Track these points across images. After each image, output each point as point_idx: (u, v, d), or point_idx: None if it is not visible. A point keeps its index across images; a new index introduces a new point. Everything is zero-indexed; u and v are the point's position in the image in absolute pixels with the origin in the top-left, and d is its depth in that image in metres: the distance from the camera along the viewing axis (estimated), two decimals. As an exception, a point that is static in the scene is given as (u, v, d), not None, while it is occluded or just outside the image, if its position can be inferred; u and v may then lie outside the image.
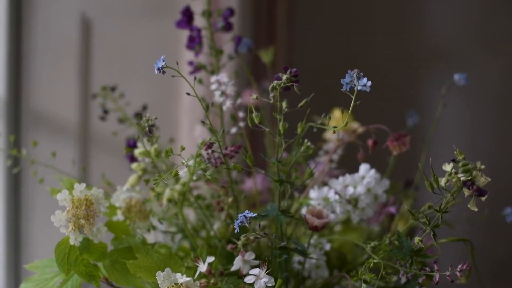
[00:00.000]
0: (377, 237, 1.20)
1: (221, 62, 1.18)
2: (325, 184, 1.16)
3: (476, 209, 0.87)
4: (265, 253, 1.10)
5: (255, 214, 0.87)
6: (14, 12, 1.62)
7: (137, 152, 1.09)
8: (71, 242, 0.94)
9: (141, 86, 1.65)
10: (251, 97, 0.92)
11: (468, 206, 0.87)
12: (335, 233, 1.23)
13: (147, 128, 0.94)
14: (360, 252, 1.16)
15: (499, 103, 1.95)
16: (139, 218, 1.05)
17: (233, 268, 0.95)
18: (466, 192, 0.85)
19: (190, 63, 1.18)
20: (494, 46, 1.94)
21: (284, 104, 0.90)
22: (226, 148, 0.97)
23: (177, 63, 0.88)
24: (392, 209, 1.17)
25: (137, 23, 1.67)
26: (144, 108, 1.28)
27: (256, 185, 1.27)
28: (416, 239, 0.90)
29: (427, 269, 0.92)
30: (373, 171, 1.08)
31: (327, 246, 1.09)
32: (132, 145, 1.16)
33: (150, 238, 1.11)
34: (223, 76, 1.09)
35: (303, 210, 1.08)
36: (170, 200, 1.04)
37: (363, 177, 1.07)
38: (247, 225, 0.86)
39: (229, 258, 1.04)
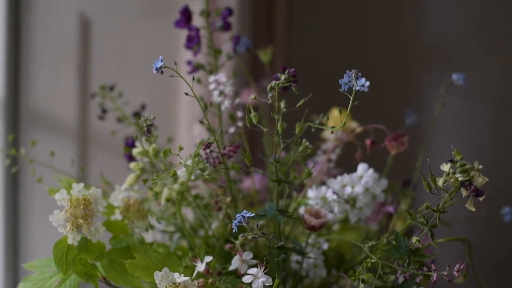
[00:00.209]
0: (375, 236, 1.20)
1: (220, 62, 1.18)
2: (323, 183, 1.16)
3: (474, 209, 0.87)
4: (263, 252, 1.10)
5: (253, 214, 0.87)
6: (13, 12, 1.62)
7: (135, 151, 1.09)
8: (69, 241, 0.94)
9: (140, 85, 1.65)
10: (249, 97, 0.92)
11: (466, 206, 0.87)
12: (333, 232, 1.23)
13: (145, 128, 0.95)
14: (358, 251, 1.16)
15: (498, 103, 1.95)
16: (137, 218, 1.05)
17: (231, 268, 0.95)
18: (464, 192, 0.85)
19: (189, 62, 1.18)
20: (493, 46, 1.94)
21: (282, 104, 0.90)
22: (224, 148, 0.97)
23: (176, 63, 0.88)
24: (390, 209, 1.17)
25: (135, 22, 1.67)
26: (143, 107, 1.28)
27: (254, 184, 1.27)
28: (414, 239, 0.90)
29: (424, 268, 0.92)
30: (371, 171, 1.08)
31: (325, 246, 1.09)
32: (130, 144, 1.16)
33: (148, 237, 1.12)
34: (222, 76, 1.09)
35: (301, 210, 1.08)
36: (168, 200, 1.04)
37: (361, 177, 1.08)
38: (245, 225, 0.86)
39: (227, 257, 1.04)
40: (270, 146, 1.24)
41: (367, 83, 0.85)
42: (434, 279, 0.90)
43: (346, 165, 1.18)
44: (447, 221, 1.16)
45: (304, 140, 0.98)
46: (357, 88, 0.85)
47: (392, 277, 0.96)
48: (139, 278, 0.96)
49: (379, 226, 1.24)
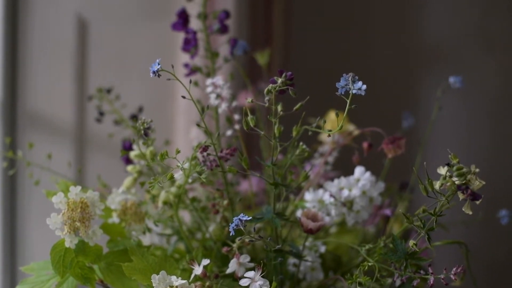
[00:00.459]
0: (373, 239, 1.20)
1: (217, 65, 1.18)
2: (320, 186, 1.16)
3: (470, 213, 0.87)
4: (260, 255, 1.10)
5: (250, 217, 0.87)
6: (10, 13, 1.62)
7: (132, 154, 1.09)
8: (67, 244, 0.94)
9: (137, 87, 1.65)
10: (246, 100, 0.93)
11: (463, 209, 0.87)
12: (330, 235, 1.23)
13: (142, 131, 0.95)
14: (355, 254, 1.16)
15: (496, 105, 1.95)
16: (134, 221, 1.05)
17: (228, 271, 0.95)
18: (461, 196, 0.85)
19: (186, 65, 1.18)
20: (491, 47, 1.94)
21: (279, 108, 0.90)
22: (221, 151, 0.97)
23: (173, 66, 0.88)
24: (387, 211, 1.17)
25: (133, 24, 1.67)
26: (140, 110, 1.28)
27: (251, 187, 1.27)
28: (411, 242, 0.91)
29: (421, 272, 0.93)
30: (368, 174, 1.08)
31: (322, 249, 1.09)
32: (127, 147, 1.16)
33: (146, 240, 1.12)
34: (219, 79, 1.09)
35: (298, 213, 1.08)
36: (165, 203, 1.04)
37: (358, 180, 1.08)
38: (242, 228, 0.86)
39: (224, 260, 1.05)
40: (267, 149, 1.24)
41: (364, 87, 0.85)
42: (431, 282, 0.90)
43: (343, 168, 1.18)
44: (444, 224, 1.16)
45: (301, 143, 0.98)
46: (354, 91, 0.85)
47: (389, 280, 0.96)
48: (136, 281, 0.96)
49: (376, 228, 1.24)
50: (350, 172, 1.09)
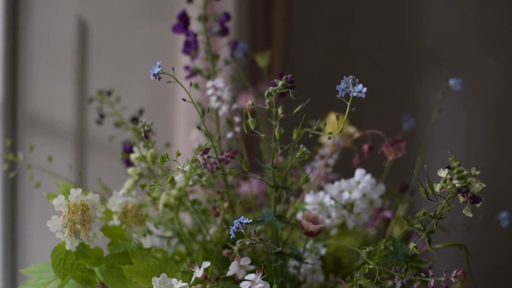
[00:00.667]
0: (373, 241, 1.20)
1: (217, 67, 1.18)
2: (321, 188, 1.16)
3: (471, 215, 0.87)
4: (261, 257, 1.10)
5: (251, 220, 0.87)
6: (11, 15, 1.62)
7: (133, 157, 1.09)
8: (67, 247, 0.94)
9: (137, 89, 1.65)
10: (247, 103, 0.93)
11: (463, 212, 0.87)
12: (331, 237, 1.23)
13: (143, 134, 0.95)
14: (356, 256, 1.16)
15: (496, 106, 1.95)
16: (135, 223, 1.05)
17: (229, 273, 0.95)
18: (461, 198, 0.85)
19: (186, 67, 1.18)
20: (492, 48, 1.95)
21: (279, 110, 0.90)
22: (222, 154, 0.98)
23: (173, 69, 0.88)
24: (388, 214, 1.17)
25: (133, 26, 1.67)
26: (141, 112, 1.28)
27: (252, 189, 1.27)
28: (411, 245, 0.91)
29: (422, 274, 0.93)
30: (368, 176, 1.08)
31: (323, 251, 1.09)
32: (128, 149, 1.16)
33: (146, 242, 1.12)
34: (219, 82, 1.09)
35: (299, 215, 1.08)
36: (166, 205, 1.04)
37: (358, 182, 1.08)
38: (242, 231, 0.87)
39: (225, 262, 1.05)
40: (267, 151, 1.24)
41: (364, 89, 0.85)
42: (432, 285, 0.90)
43: (343, 170, 1.19)
44: (445, 226, 1.16)
45: (301, 146, 0.98)
46: (354, 94, 0.85)
47: (390, 283, 0.96)
48: (137, 284, 0.96)
49: (376, 230, 1.24)
50: (351, 175, 1.09)
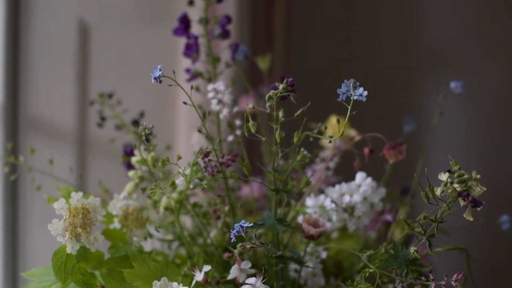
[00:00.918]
0: (374, 244, 1.20)
1: (218, 70, 1.18)
2: (321, 191, 1.16)
3: (471, 219, 0.87)
4: (262, 261, 1.10)
5: (251, 224, 0.87)
6: (12, 17, 1.62)
7: (134, 160, 1.09)
8: (68, 250, 0.94)
9: (138, 91, 1.65)
10: (247, 106, 0.93)
11: (464, 215, 0.87)
12: (331, 240, 1.23)
13: (144, 137, 0.95)
14: (356, 259, 1.16)
15: (496, 108, 1.95)
16: (136, 226, 1.05)
17: (230, 277, 0.95)
18: (462, 202, 0.85)
19: (187, 70, 1.18)
20: (492, 51, 1.95)
21: (280, 114, 0.90)
22: (222, 157, 0.98)
23: (174, 72, 0.88)
24: (389, 217, 1.17)
25: (134, 29, 1.67)
26: (141, 115, 1.28)
27: (252, 191, 1.27)
28: (412, 249, 0.91)
29: (422, 278, 0.93)
30: (369, 180, 1.08)
31: (324, 254, 1.09)
32: (129, 152, 1.16)
33: (147, 245, 1.12)
34: (220, 85, 1.09)
35: (300, 218, 1.08)
36: (167, 208, 1.04)
37: (359, 186, 1.08)
38: (243, 234, 0.87)
39: (226, 266, 1.05)
40: (268, 154, 1.24)
41: (365, 93, 0.85)
42: (432, 288, 0.91)
43: (344, 173, 1.19)
44: (445, 230, 1.16)
45: (302, 149, 0.98)
46: (355, 97, 0.85)
47: (390, 287, 0.96)
48: (138, 287, 0.96)
49: (377, 234, 1.24)
50: (352, 178, 1.09)
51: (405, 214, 1.21)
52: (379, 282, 0.93)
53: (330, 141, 0.91)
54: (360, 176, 1.09)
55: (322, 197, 1.09)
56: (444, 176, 0.86)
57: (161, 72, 0.87)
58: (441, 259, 1.14)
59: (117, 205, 1.06)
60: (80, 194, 0.95)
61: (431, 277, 0.91)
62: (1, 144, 1.59)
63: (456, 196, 0.86)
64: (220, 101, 1.09)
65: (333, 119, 1.24)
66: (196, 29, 1.19)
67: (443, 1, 1.94)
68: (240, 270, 0.95)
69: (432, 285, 0.90)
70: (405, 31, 1.96)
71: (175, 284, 0.91)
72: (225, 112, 1.09)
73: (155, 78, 0.88)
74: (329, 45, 1.92)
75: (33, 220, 1.64)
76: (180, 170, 0.93)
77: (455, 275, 0.90)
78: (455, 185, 0.85)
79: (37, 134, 1.64)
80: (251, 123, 0.91)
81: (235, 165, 1.01)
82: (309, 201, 1.09)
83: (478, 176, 0.86)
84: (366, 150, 1.09)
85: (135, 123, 1.24)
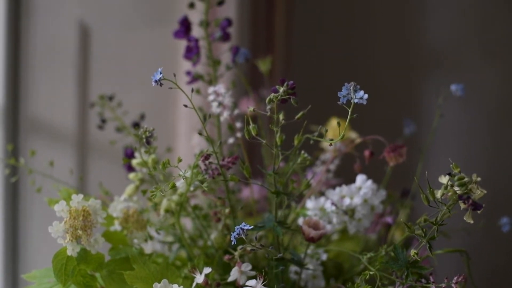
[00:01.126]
0: (374, 246, 1.21)
1: (219, 72, 1.18)
2: (322, 194, 1.16)
3: (472, 222, 0.87)
4: (262, 263, 1.10)
5: (252, 227, 0.87)
6: (13, 19, 1.62)
7: (134, 162, 1.10)
8: (69, 253, 0.94)
9: (139, 93, 1.65)
10: (248, 108, 0.93)
11: (464, 218, 0.87)
12: (332, 242, 1.23)
13: (144, 139, 0.95)
14: (357, 261, 1.16)
15: (497, 110, 1.95)
16: (136, 228, 1.05)
17: (230, 279, 0.95)
18: (462, 205, 0.86)
19: (188, 73, 1.18)
20: (493, 53, 1.95)
21: (281, 116, 0.91)
22: (223, 159, 0.98)
23: (175, 75, 0.88)
24: (389, 219, 1.17)
25: (135, 31, 1.67)
26: (142, 117, 1.28)
27: (253, 193, 1.27)
28: (412, 252, 0.91)
29: (423, 280, 0.93)
30: (369, 182, 1.08)
31: (324, 257, 1.09)
32: (129, 155, 1.16)
33: (148, 247, 1.12)
34: (221, 87, 1.09)
35: (300, 221, 1.08)
36: (167, 211, 1.04)
37: (359, 188, 1.08)
38: (243, 237, 0.87)
39: (226, 268, 1.05)
40: (269, 156, 1.24)
41: (366, 96, 0.85)
42: (432, 291, 0.91)
43: (345, 175, 1.19)
44: (446, 232, 1.16)
45: (302, 152, 0.98)
46: (355, 100, 0.85)
47: (391, 289, 0.96)
48: (138, 290, 0.96)
49: (378, 235, 1.24)
50: (352, 179, 1.09)
51: (405, 216, 1.21)
52: (379, 284, 0.93)
53: (331, 144, 0.91)
54: (360, 178, 1.09)
55: (322, 199, 1.09)
56: (444, 179, 0.87)
57: (161, 75, 0.87)
58: (441, 261, 1.14)
59: (117, 207, 1.06)
60: (81, 196, 0.95)
61: (432, 279, 0.91)
62: (2, 146, 1.59)
63: (456, 199, 0.86)
64: (220, 104, 1.09)
65: (333, 122, 1.24)
66: (196, 31, 1.19)
67: (443, 2, 1.94)
68: (241, 272, 0.95)
69: (433, 287, 0.90)
70: (405, 33, 1.96)
71: (175, 286, 0.91)
72: (225, 114, 1.09)
73: (156, 81, 0.88)
74: (330, 47, 1.92)
75: (34, 222, 1.65)
76: (181, 173, 0.93)
77: (455, 278, 0.90)
78: (456, 188, 0.85)
79: (38, 136, 1.64)
80: (251, 125, 0.91)
81: (236, 167, 1.01)
82: (310, 203, 1.09)
83: (479, 179, 0.86)
84: (367, 153, 1.09)
85: (136, 125, 1.24)
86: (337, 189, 1.08)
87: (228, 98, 1.09)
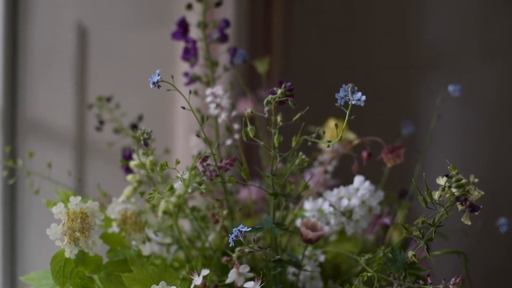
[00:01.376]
0: (372, 247, 1.21)
1: (217, 74, 1.18)
2: (320, 195, 1.16)
3: (469, 223, 0.87)
4: (260, 264, 1.10)
5: (250, 228, 0.87)
6: (10, 21, 1.62)
7: (132, 164, 1.10)
8: (67, 255, 0.94)
9: (137, 95, 1.65)
10: (246, 111, 0.93)
11: (462, 219, 0.87)
12: (330, 243, 1.24)
13: (142, 141, 0.95)
14: (354, 262, 1.16)
15: (496, 111, 1.95)
16: (134, 230, 1.05)
17: (228, 281, 0.95)
18: (459, 207, 0.86)
19: (186, 74, 1.18)
20: (492, 53, 1.95)
21: (279, 118, 0.91)
22: (221, 161, 0.98)
23: (172, 77, 0.88)
24: (387, 220, 1.18)
25: (133, 32, 1.67)
26: (140, 118, 1.28)
27: (251, 194, 1.27)
28: (410, 253, 0.91)
29: (420, 282, 0.93)
30: (367, 183, 1.08)
31: (322, 258, 1.09)
32: (127, 156, 1.16)
33: (146, 249, 1.12)
34: (218, 89, 1.09)
35: (298, 222, 1.08)
36: (165, 212, 1.04)
37: (357, 189, 1.08)
38: (241, 239, 0.87)
39: (224, 269, 1.05)
40: (267, 157, 1.24)
41: (363, 98, 0.85)
42: (430, 292, 0.91)
43: (342, 175, 1.19)
44: (443, 233, 1.16)
45: (300, 153, 0.99)
46: (353, 102, 0.85)
47: (389, 290, 0.96)
48: (136, 292, 0.96)
49: (375, 236, 1.24)
50: (350, 180, 1.09)
51: (403, 217, 1.22)
52: (377, 286, 0.93)
53: (328, 146, 0.91)
54: (358, 179, 1.09)
55: (320, 200, 1.09)
56: (442, 181, 0.87)
57: (159, 77, 0.87)
58: (439, 262, 1.15)
59: (115, 209, 1.06)
60: (79, 198, 0.95)
61: (429, 280, 0.91)
62: (0, 148, 1.59)
63: (454, 201, 0.86)
64: (218, 105, 1.09)
65: (331, 123, 1.24)
66: (194, 33, 1.19)
67: (443, 3, 1.94)
68: (239, 274, 0.95)
69: (430, 288, 0.91)
70: (404, 34, 1.96)
71: (173, 288, 0.91)
72: (223, 116, 1.09)
73: (154, 83, 0.88)
74: (328, 48, 1.92)
75: (32, 224, 1.65)
76: (179, 175, 0.93)
77: (453, 279, 0.90)
78: (453, 190, 0.85)
79: (36, 138, 1.64)
80: (249, 127, 0.91)
81: (234, 169, 1.01)
82: (307, 205, 1.09)
83: (476, 180, 0.86)
84: (364, 154, 1.09)
85: (134, 127, 1.24)
86: (335, 190, 1.08)
87: (226, 99, 1.09)
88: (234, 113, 1.10)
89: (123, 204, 1.07)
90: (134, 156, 1.12)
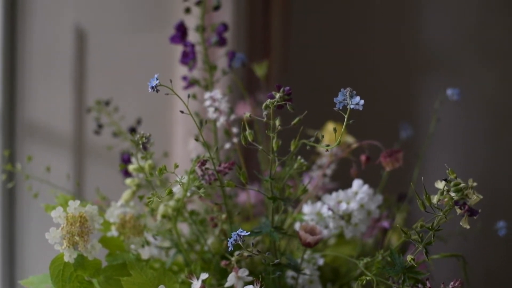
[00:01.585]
0: (371, 250, 1.21)
1: (215, 77, 1.18)
2: (318, 198, 1.16)
3: (468, 227, 0.87)
4: (259, 268, 1.10)
5: (248, 233, 0.87)
6: (9, 24, 1.62)
7: (131, 168, 1.10)
8: (66, 259, 0.94)
9: (135, 98, 1.65)
10: (244, 114, 0.93)
11: (460, 223, 0.87)
12: (328, 247, 1.24)
13: (141, 145, 0.95)
14: (353, 265, 1.16)
15: (494, 114, 1.95)
16: (133, 234, 1.05)
17: (227, 285, 0.95)
18: (458, 211, 0.86)
19: (184, 78, 1.19)
20: (490, 56, 1.95)
21: (277, 122, 0.91)
22: (220, 165, 0.98)
23: (171, 81, 0.88)
24: (386, 224, 1.18)
25: (131, 36, 1.67)
26: (138, 122, 1.28)
27: (249, 198, 1.27)
28: (409, 257, 0.91)
29: (419, 285, 0.93)
30: (366, 187, 1.08)
31: (321, 261, 1.09)
32: (126, 160, 1.16)
33: (145, 253, 1.12)
34: (217, 93, 1.09)
35: (297, 226, 1.08)
36: (164, 216, 1.04)
37: (356, 193, 1.08)
38: (240, 243, 0.87)
39: (223, 273, 1.05)
40: (265, 161, 1.24)
41: (362, 102, 0.85)
42: (429, 296, 0.91)
43: (341, 180, 1.19)
44: (442, 236, 1.16)
45: (299, 157, 0.99)
46: (351, 106, 0.85)
47: (388, 294, 0.96)
48: (135, 295, 0.96)
49: (374, 240, 1.24)
50: (348, 183, 1.09)
51: (402, 220, 1.22)
52: (376, 290, 0.93)
53: (327, 150, 0.91)
54: (357, 183, 1.09)
55: (319, 204, 1.09)
56: (440, 185, 0.87)
57: (158, 81, 0.87)
58: (437, 266, 1.15)
59: (114, 213, 1.06)
60: (78, 202, 0.95)
61: (428, 284, 0.91)
62: (-1, 151, 1.59)
63: (452, 205, 0.86)
64: (217, 109, 1.09)
65: (330, 126, 1.24)
66: (193, 36, 1.19)
67: (441, 5, 1.94)
68: (238, 278, 0.95)
69: (429, 292, 0.91)
70: (402, 37, 1.96)
71: (172, 292, 0.91)
72: (222, 120, 1.09)
73: (152, 88, 0.88)
74: (326, 51, 1.92)
75: (31, 228, 1.64)
76: (178, 179, 0.93)
77: (452, 282, 0.90)
78: (452, 194, 0.85)
79: (34, 141, 1.64)
80: (248, 131, 0.92)
81: (232, 172, 1.01)
82: (306, 208, 1.09)
83: (475, 184, 0.86)
84: (363, 158, 1.09)
85: (132, 130, 1.24)
86: (334, 194, 1.08)
87: (225, 103, 1.09)
88: (232, 116, 1.10)
89: (122, 208, 1.07)
90: (133, 159, 1.12)
